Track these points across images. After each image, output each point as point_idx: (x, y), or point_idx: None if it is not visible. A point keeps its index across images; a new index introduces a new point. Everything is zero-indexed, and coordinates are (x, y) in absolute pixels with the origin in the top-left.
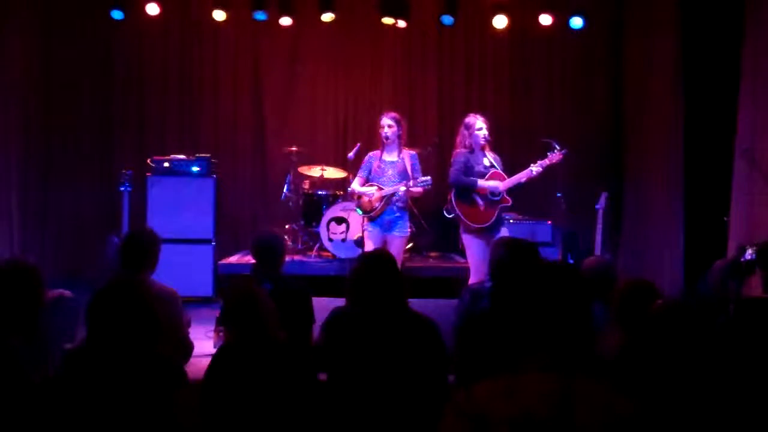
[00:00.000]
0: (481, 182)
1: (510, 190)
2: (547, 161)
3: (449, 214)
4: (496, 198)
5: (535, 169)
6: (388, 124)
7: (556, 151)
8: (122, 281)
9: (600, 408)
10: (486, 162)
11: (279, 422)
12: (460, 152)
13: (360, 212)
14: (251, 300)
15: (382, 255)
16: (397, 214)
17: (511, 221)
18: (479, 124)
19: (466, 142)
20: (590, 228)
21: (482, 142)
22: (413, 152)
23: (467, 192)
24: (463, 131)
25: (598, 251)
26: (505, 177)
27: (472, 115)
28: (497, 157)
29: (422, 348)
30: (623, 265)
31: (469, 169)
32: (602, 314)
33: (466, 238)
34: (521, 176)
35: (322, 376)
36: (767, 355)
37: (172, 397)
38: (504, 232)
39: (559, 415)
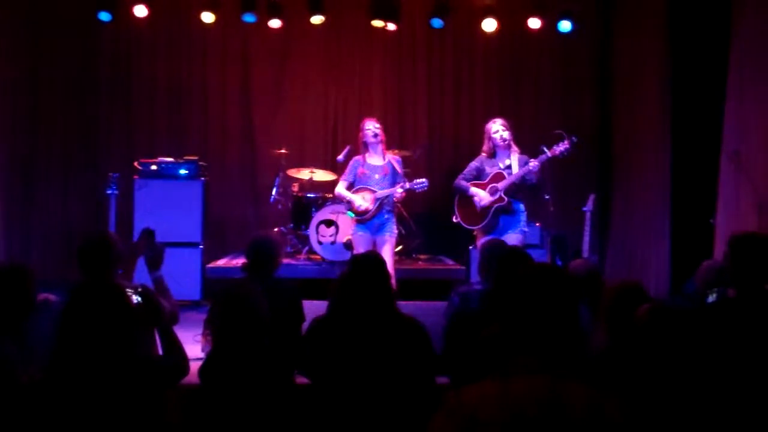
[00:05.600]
0: (472, 189)
1: (525, 187)
2: (548, 154)
3: (454, 218)
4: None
5: (532, 164)
6: (376, 126)
7: (561, 142)
8: (84, 285)
9: (588, 410)
10: (504, 164)
11: (268, 425)
12: (477, 158)
13: (352, 215)
14: (241, 303)
15: (373, 257)
16: (387, 216)
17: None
18: (495, 128)
19: (486, 147)
20: (578, 230)
21: (501, 143)
22: (398, 156)
23: (466, 195)
24: (484, 136)
25: (586, 253)
26: (506, 177)
27: (491, 120)
28: (523, 157)
29: (411, 350)
30: (611, 267)
31: (480, 173)
32: (588, 316)
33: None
34: (517, 175)
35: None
36: (748, 352)
37: (159, 398)
38: (512, 237)
39: (549, 418)
